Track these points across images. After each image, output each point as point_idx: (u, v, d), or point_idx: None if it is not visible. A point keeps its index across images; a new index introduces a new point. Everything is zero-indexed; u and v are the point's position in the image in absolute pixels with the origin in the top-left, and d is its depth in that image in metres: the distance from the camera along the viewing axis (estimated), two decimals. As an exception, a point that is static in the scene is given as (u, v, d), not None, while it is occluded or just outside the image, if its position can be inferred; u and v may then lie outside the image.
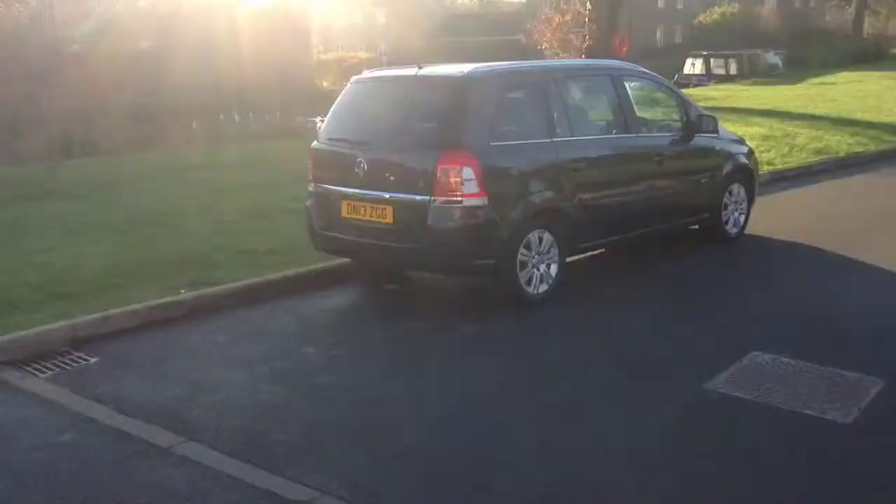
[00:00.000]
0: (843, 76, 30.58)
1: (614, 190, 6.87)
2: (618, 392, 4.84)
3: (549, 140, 6.49)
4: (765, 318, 6.01)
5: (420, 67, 6.55)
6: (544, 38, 30.67)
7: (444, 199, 5.95)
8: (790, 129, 15.76)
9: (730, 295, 6.72)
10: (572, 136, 6.64)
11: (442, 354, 5.59)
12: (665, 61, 33.51)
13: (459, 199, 5.93)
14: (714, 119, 7.78)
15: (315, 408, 4.77)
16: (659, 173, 7.28)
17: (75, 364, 5.51)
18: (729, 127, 13.89)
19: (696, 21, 55.24)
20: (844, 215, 9.45)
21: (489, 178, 5.99)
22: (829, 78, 30.42)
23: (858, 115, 18.11)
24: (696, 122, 7.60)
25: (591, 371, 5.18)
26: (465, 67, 6.49)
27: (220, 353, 5.69)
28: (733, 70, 33.14)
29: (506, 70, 6.66)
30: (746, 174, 8.27)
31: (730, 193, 8.04)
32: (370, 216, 6.30)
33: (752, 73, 33.36)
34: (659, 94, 7.83)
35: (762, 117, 18.04)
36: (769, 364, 5.01)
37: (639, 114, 7.45)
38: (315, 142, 6.96)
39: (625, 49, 27.15)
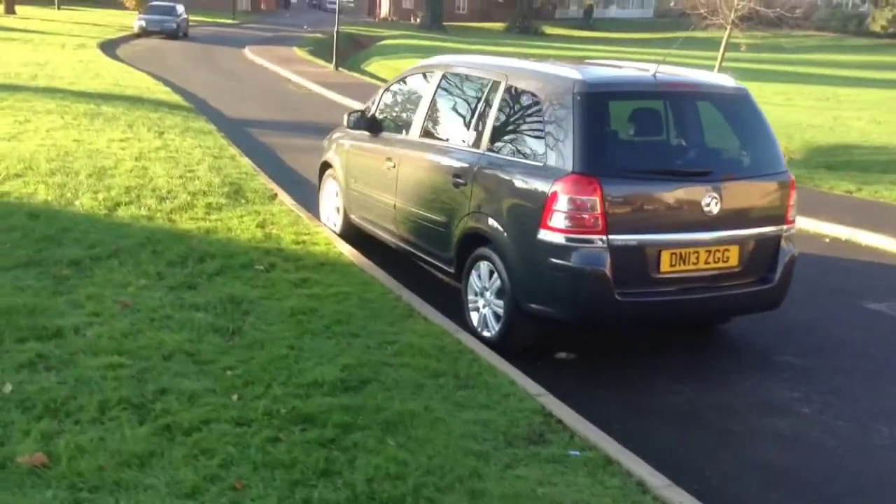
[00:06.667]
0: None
1: None
2: None
3: None
4: None
5: (655, 73, 5.31)
6: None
7: (789, 227, 5.36)
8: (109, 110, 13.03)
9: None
10: None
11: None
12: None
13: (793, 225, 5.43)
14: None
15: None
16: None
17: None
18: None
19: None
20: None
21: None
22: None
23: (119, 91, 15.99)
24: None
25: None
26: (695, 73, 5.78)
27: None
28: None
29: None
30: None
31: None
32: (705, 263, 5.00)
33: None
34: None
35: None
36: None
37: None
38: (594, 177, 4.74)
39: None
